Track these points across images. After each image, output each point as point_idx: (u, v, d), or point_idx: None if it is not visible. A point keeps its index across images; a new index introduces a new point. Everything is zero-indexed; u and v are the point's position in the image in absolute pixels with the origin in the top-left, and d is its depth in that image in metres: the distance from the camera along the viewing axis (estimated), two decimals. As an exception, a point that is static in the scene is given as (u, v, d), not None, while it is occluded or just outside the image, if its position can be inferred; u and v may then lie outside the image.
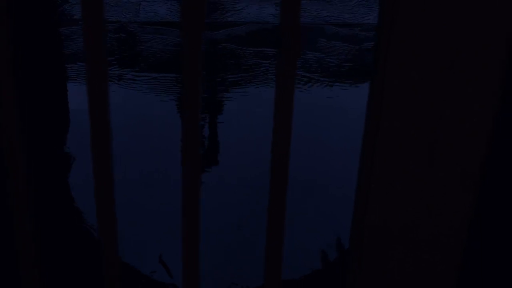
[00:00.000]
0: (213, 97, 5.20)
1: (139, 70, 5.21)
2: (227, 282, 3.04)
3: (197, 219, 1.67)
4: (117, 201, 3.64)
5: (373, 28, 5.69)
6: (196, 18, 1.47)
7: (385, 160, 1.59)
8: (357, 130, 4.22)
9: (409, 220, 1.64)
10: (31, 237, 1.63)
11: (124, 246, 3.20)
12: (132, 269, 3.12)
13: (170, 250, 3.20)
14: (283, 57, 1.53)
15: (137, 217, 3.40)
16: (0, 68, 1.50)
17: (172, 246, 3.19)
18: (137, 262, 3.16)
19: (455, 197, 1.62)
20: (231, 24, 5.87)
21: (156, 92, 4.82)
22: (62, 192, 1.71)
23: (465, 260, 1.70)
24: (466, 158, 1.59)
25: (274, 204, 1.68)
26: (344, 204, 3.48)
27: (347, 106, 4.62)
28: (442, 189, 1.62)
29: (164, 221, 3.36)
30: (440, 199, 1.62)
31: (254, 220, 3.35)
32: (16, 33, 1.51)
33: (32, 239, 1.64)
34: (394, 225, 1.65)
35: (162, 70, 5.16)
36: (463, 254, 1.68)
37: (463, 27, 1.46)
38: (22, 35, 1.51)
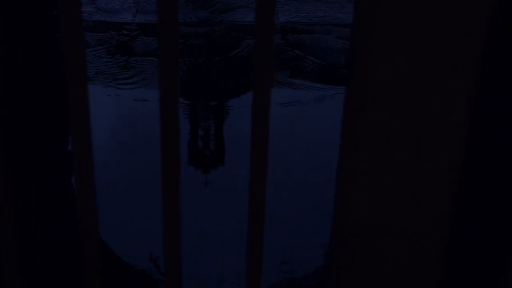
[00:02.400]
0: (218, 98, 5.21)
1: (135, 71, 5.24)
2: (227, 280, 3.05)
3: (177, 214, 1.68)
4: (115, 198, 3.68)
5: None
6: (171, 17, 1.48)
7: (371, 152, 1.58)
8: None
9: (396, 211, 1.64)
10: (12, 239, 1.64)
11: (120, 242, 3.23)
12: (127, 265, 3.16)
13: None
14: (259, 55, 1.54)
15: (136, 214, 3.41)
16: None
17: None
18: (132, 258, 3.18)
19: (441, 188, 1.62)
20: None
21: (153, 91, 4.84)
22: (64, 191, 1.73)
23: (452, 249, 1.70)
24: (453, 150, 1.58)
25: (254, 203, 1.69)
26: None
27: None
28: (429, 180, 1.61)
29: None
30: (426, 190, 1.62)
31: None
32: (13, 33, 1.51)
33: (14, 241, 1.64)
34: (381, 216, 1.65)
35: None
36: (450, 243, 1.68)
37: (446, 12, 1.45)
38: (20, 34, 1.52)
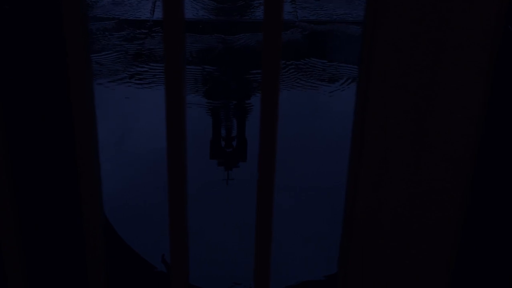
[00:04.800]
0: (240, 96, 5.22)
1: (150, 68, 5.26)
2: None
3: (183, 212, 1.67)
4: (135, 202, 3.71)
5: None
6: (177, 15, 1.47)
7: (375, 152, 1.56)
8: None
9: (401, 213, 1.62)
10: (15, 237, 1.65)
11: (139, 241, 3.26)
12: (145, 261, 3.20)
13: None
14: (267, 55, 1.52)
15: (154, 215, 3.43)
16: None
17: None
18: (150, 256, 3.21)
19: (447, 191, 1.59)
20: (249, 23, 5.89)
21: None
22: (66, 191, 1.72)
23: (459, 254, 1.67)
24: (458, 152, 1.56)
25: (262, 203, 1.67)
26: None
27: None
28: (435, 181, 1.59)
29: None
30: (432, 191, 1.60)
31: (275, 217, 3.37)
32: (15, 32, 1.52)
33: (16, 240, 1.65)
34: (386, 218, 1.63)
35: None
36: (458, 249, 1.66)
37: (452, 11, 1.43)
38: (23, 33, 1.52)
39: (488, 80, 1.47)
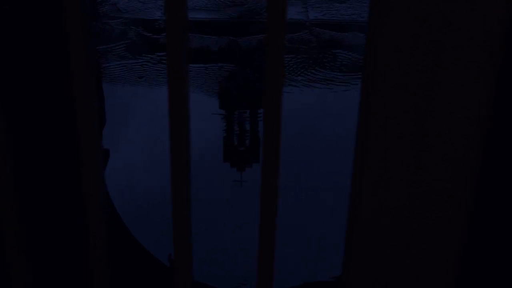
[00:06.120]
0: (254, 95, 5.22)
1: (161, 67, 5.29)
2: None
3: (187, 209, 1.68)
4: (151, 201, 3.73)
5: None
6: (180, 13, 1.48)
7: (374, 153, 1.56)
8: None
9: (400, 214, 1.62)
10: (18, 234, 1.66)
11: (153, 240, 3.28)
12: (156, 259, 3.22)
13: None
14: (270, 53, 1.52)
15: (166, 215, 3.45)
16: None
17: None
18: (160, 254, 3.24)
19: (447, 191, 1.59)
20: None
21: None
22: (68, 190, 1.73)
23: (464, 256, 1.67)
24: (458, 152, 1.55)
25: (266, 201, 1.67)
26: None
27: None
28: (434, 183, 1.59)
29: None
30: (431, 193, 1.60)
31: (283, 218, 3.38)
32: (19, 29, 1.52)
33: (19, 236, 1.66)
34: (384, 218, 1.62)
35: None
36: (459, 249, 1.65)
37: (455, 10, 1.42)
38: (25, 34, 1.53)
39: (490, 81, 1.46)
